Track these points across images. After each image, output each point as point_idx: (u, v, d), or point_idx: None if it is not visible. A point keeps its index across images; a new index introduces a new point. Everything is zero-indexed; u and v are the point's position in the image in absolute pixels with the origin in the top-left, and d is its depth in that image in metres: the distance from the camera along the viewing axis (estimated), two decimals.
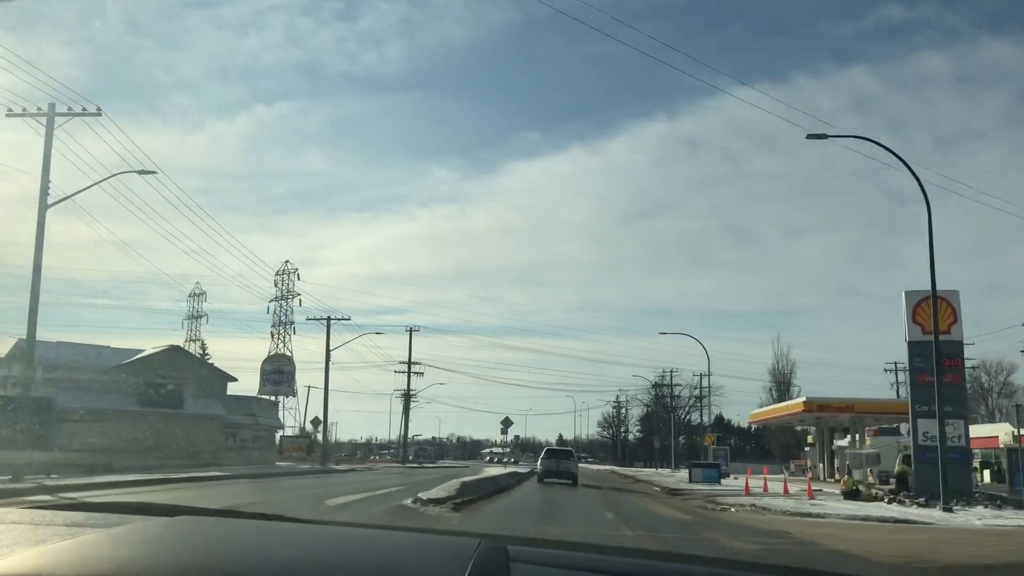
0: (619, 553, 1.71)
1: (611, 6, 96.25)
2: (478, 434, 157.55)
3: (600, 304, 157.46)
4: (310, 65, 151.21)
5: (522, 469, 50.12)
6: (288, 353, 59.48)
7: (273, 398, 56.64)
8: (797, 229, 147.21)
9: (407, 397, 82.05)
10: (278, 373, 57.32)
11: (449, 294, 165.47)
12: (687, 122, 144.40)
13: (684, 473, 44.07)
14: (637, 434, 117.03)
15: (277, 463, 49.83)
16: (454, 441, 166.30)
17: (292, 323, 63.04)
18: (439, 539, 1.78)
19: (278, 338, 65.18)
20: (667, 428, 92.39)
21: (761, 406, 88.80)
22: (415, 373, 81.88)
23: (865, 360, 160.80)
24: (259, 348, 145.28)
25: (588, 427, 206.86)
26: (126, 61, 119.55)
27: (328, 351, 54.22)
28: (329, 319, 55.33)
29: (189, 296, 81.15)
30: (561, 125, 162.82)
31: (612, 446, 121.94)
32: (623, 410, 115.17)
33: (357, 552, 1.53)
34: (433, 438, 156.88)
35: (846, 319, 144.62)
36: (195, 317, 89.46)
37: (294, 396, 58.79)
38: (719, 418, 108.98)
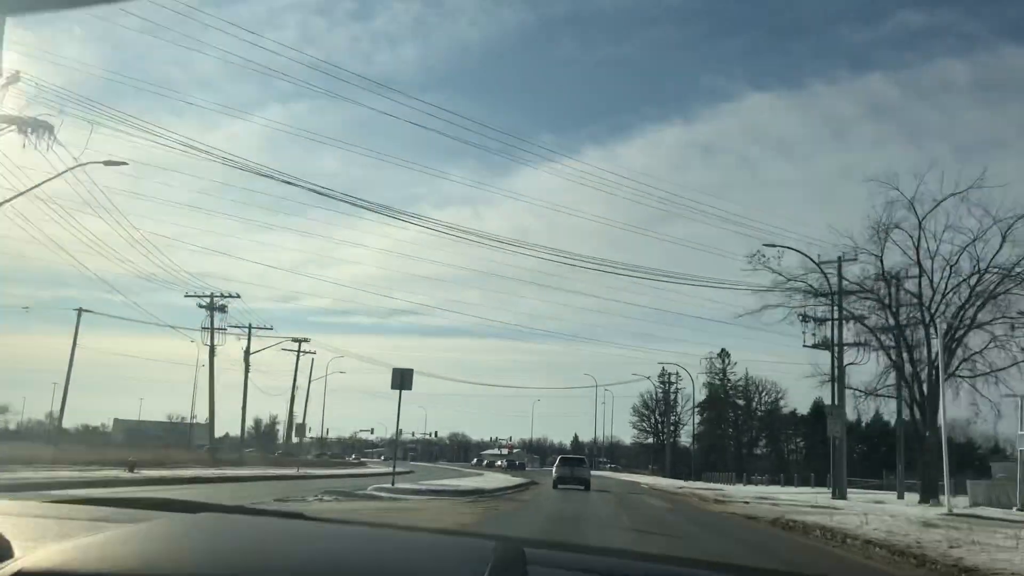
0: (636, 558, 1.79)
1: (627, 9, 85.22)
2: (486, 436, 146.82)
3: (615, 308, 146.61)
4: (325, 65, 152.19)
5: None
6: None
7: None
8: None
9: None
10: None
11: (463, 296, 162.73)
12: (702, 127, 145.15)
13: None
14: (700, 426, 78.93)
15: None
16: (453, 442, 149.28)
17: None
18: (456, 540, 1.80)
19: None
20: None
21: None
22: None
23: None
24: None
25: (612, 427, 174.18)
26: (143, 59, 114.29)
27: None
28: None
29: None
30: (575, 128, 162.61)
31: (656, 447, 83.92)
32: (673, 388, 77.57)
33: (378, 552, 1.56)
34: (413, 434, 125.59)
35: None
36: None
37: None
38: (816, 406, 68.05)
